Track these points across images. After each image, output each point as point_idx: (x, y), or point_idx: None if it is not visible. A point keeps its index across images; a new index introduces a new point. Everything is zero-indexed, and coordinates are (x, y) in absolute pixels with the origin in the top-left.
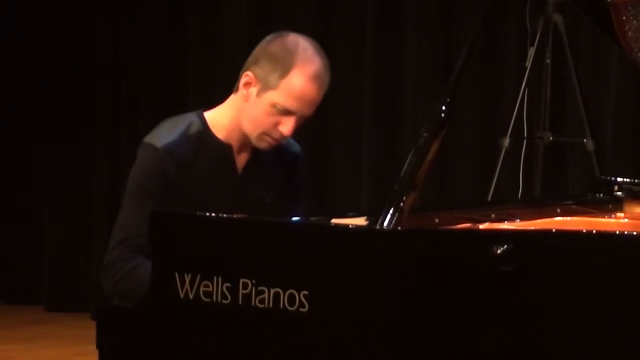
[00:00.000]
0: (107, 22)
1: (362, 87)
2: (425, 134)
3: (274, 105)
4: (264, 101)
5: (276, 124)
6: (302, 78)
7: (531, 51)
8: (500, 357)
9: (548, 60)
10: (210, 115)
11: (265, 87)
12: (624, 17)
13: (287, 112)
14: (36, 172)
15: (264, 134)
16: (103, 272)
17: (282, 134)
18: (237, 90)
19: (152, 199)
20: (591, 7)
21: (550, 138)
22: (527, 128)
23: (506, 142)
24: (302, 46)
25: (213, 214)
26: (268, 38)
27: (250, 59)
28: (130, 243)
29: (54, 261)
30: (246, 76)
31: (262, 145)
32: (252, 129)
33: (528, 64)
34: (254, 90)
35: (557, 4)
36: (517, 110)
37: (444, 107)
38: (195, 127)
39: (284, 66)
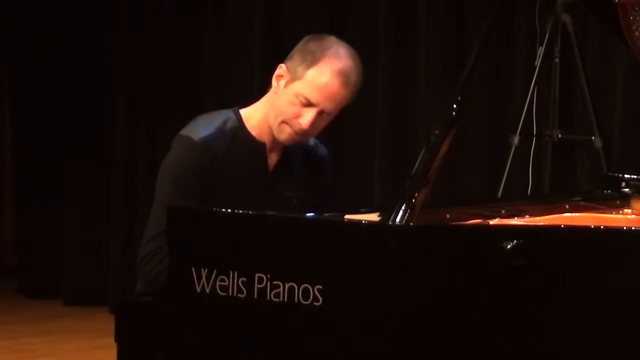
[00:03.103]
0: (125, 22)
1: (375, 88)
2: (437, 132)
3: (297, 96)
4: (288, 91)
5: (297, 116)
6: (326, 71)
7: (540, 51)
8: (509, 350)
9: (557, 60)
10: (245, 113)
11: (293, 78)
12: (631, 18)
13: (308, 104)
14: (56, 172)
15: (284, 122)
16: (139, 265)
17: (300, 126)
18: (272, 83)
19: (188, 192)
20: (599, 7)
21: (559, 136)
22: (537, 126)
23: (516, 139)
24: (337, 46)
25: (229, 210)
26: (307, 36)
27: (288, 55)
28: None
29: (74, 257)
30: (279, 68)
31: (283, 137)
32: (274, 118)
33: (537, 63)
34: (283, 82)
35: (565, 4)
36: (527, 109)
37: (455, 106)
38: (231, 123)
39: (313, 58)
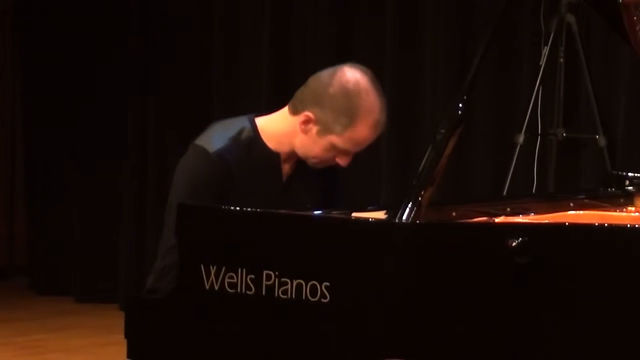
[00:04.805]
0: (135, 21)
1: (382, 88)
2: (443, 131)
3: (334, 147)
4: (324, 141)
5: (334, 157)
6: (364, 128)
7: (545, 51)
8: (513, 347)
9: (561, 60)
10: (261, 123)
11: (328, 130)
12: (635, 18)
13: (347, 152)
14: (67, 171)
15: (321, 162)
16: (160, 275)
17: (339, 166)
18: (292, 112)
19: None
20: (603, 7)
21: (564, 134)
22: (541, 125)
23: (521, 138)
24: (364, 91)
25: (237, 208)
26: (326, 78)
27: (310, 96)
28: None
29: (84, 254)
30: (306, 116)
31: (317, 167)
32: (308, 157)
33: (542, 63)
34: (314, 128)
35: (570, 4)
36: (532, 108)
37: (460, 105)
38: (246, 133)
39: (348, 117)
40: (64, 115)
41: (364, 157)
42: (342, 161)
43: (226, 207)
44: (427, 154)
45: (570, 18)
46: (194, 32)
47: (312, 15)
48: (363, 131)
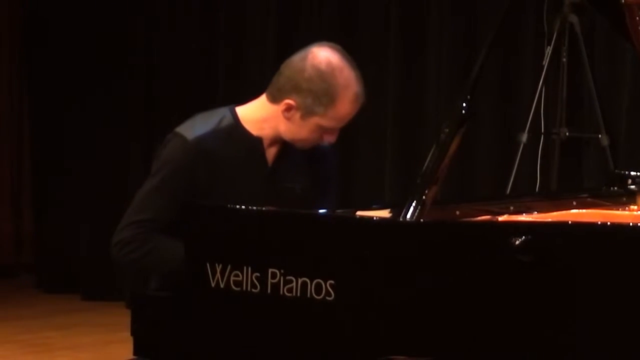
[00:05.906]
0: (141, 22)
1: (385, 87)
2: (447, 130)
3: (319, 126)
4: (309, 123)
5: (321, 136)
6: (346, 104)
7: (548, 50)
8: (517, 344)
9: (564, 59)
10: (242, 111)
11: (311, 113)
12: (637, 18)
13: (332, 130)
14: (74, 170)
15: (309, 143)
16: (115, 249)
17: (327, 143)
18: (271, 100)
19: (174, 190)
20: (606, 7)
21: (567, 134)
22: (545, 124)
23: (524, 137)
24: (337, 69)
25: (243, 207)
26: (298, 64)
27: (286, 84)
28: (144, 225)
29: (90, 252)
30: (287, 104)
31: (306, 148)
32: (296, 140)
33: (545, 63)
34: (296, 113)
35: (573, 5)
36: (535, 107)
37: (464, 104)
38: (227, 121)
39: (328, 97)
40: (70, 114)
41: (368, 156)
42: (329, 138)
43: (232, 205)
44: (431, 153)
45: (573, 18)
46: (198, 32)
47: (316, 13)
48: (345, 107)
